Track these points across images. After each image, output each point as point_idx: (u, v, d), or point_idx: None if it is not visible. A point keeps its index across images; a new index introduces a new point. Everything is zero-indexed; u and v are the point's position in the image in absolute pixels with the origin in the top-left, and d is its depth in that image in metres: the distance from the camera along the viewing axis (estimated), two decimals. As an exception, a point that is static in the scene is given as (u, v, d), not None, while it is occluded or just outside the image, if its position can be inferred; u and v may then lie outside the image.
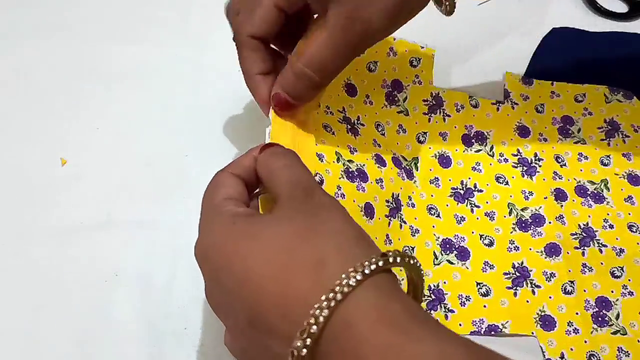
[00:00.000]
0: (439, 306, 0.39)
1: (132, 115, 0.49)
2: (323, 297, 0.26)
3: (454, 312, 0.39)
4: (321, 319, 0.25)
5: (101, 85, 0.51)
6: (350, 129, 0.43)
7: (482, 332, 0.38)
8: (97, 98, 0.50)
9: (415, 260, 0.29)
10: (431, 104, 0.47)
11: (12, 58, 0.53)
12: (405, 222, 0.42)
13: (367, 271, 0.26)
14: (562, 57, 0.53)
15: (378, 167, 0.42)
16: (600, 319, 0.39)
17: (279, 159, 0.33)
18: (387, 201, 0.42)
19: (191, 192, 0.45)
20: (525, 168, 0.46)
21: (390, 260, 0.27)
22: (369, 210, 0.40)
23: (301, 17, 0.37)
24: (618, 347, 0.38)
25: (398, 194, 0.43)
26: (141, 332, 0.39)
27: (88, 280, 0.41)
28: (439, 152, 0.46)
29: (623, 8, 0.57)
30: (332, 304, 0.25)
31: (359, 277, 0.26)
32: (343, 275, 0.26)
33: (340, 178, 0.39)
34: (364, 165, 0.41)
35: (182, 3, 0.57)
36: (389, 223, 0.41)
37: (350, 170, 0.40)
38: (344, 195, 0.39)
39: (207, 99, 0.48)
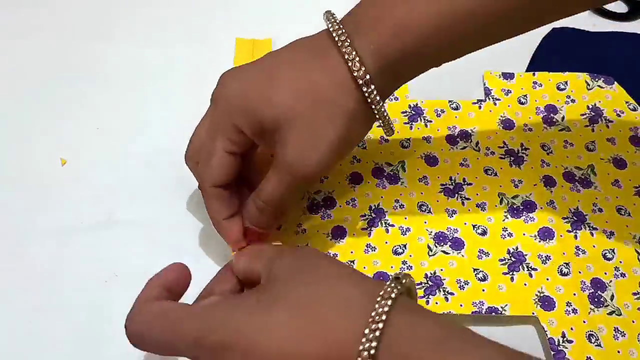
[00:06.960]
0: (437, 290, 0.40)
1: (132, 115, 0.49)
2: (367, 331, 0.26)
3: (453, 294, 0.40)
4: (371, 351, 0.26)
5: (101, 85, 0.51)
6: None
7: (483, 313, 0.39)
8: (97, 98, 0.50)
9: (410, 279, 0.30)
10: (411, 114, 0.48)
11: (11, 58, 0.53)
12: (392, 225, 0.43)
13: (393, 295, 0.27)
14: (562, 57, 0.53)
15: (351, 186, 0.45)
16: (596, 299, 0.40)
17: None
18: (363, 215, 0.43)
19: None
20: (512, 158, 0.46)
21: (404, 281, 0.29)
22: (338, 232, 0.43)
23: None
24: (614, 328, 0.38)
25: (378, 204, 0.44)
26: (141, 332, 0.39)
27: (88, 280, 0.41)
28: (424, 154, 0.46)
29: (623, 8, 0.57)
30: (377, 333, 0.26)
31: (390, 303, 0.27)
32: (376, 306, 0.27)
33: (300, 216, 0.43)
34: (332, 191, 0.45)
35: (182, 3, 0.57)
36: (370, 233, 0.42)
37: (314, 202, 0.44)
38: (305, 231, 0.43)
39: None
